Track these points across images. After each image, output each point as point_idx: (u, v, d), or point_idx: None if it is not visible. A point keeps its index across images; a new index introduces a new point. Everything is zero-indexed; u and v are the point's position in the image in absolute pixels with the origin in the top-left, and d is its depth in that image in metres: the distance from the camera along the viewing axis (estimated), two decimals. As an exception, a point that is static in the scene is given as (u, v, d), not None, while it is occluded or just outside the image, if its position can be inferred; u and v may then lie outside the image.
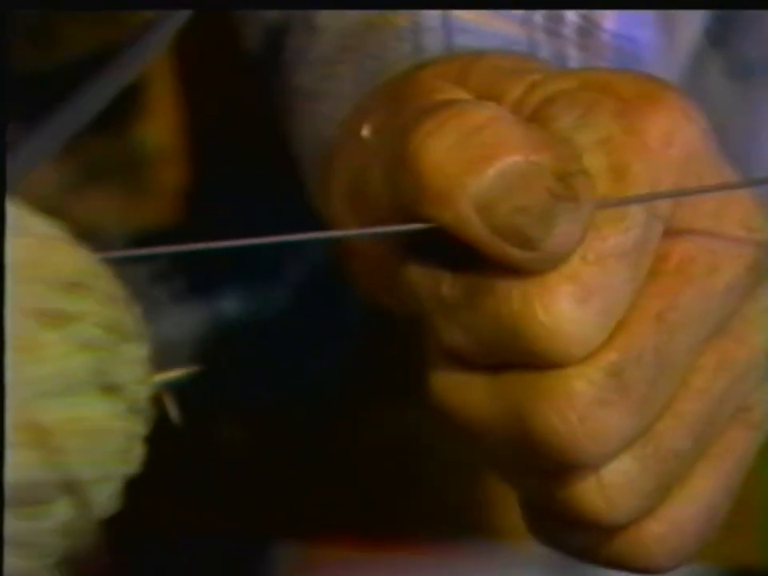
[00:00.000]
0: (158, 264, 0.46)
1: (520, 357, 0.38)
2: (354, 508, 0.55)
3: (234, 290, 0.48)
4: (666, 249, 0.39)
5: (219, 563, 0.75)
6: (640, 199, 0.38)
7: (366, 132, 0.40)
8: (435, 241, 0.38)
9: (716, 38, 0.55)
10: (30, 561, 0.34)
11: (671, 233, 0.39)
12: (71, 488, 0.34)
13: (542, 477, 0.39)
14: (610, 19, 0.48)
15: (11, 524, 0.33)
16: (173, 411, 0.41)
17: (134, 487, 0.36)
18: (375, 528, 0.61)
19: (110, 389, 0.35)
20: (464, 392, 0.39)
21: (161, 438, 0.36)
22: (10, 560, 0.35)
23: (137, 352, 0.36)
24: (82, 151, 0.55)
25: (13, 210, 0.38)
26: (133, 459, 0.35)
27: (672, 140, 0.39)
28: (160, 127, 0.55)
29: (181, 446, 0.40)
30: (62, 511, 0.34)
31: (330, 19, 0.49)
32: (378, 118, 0.41)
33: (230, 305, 0.48)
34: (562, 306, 0.37)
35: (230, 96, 0.55)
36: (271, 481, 0.53)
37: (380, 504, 0.55)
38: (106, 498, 0.35)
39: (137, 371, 0.36)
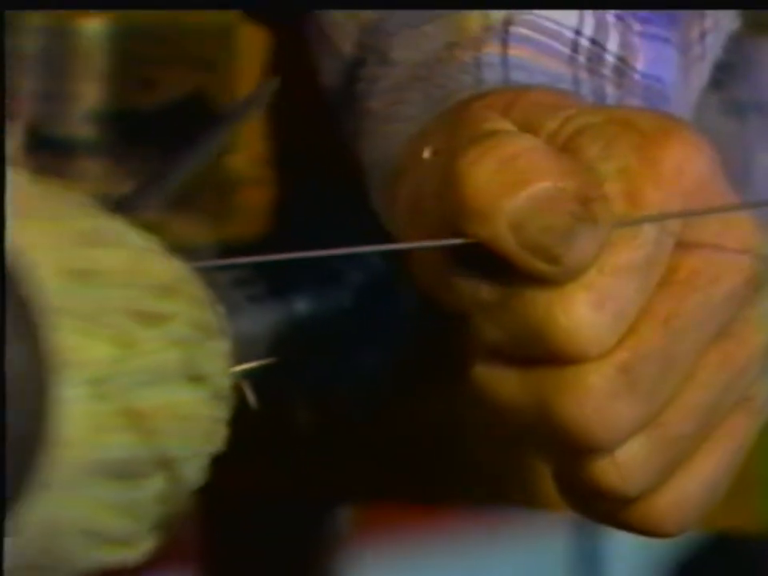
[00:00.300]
0: (240, 272, 0.45)
1: (545, 354, 0.37)
2: (406, 478, 0.54)
3: (306, 292, 0.47)
4: (676, 262, 0.38)
5: (291, 524, 0.74)
6: (650, 219, 0.37)
7: (426, 153, 0.39)
8: (476, 253, 0.37)
9: (715, 82, 0.54)
10: (131, 525, 0.33)
11: (680, 248, 0.38)
12: (165, 464, 0.33)
13: (566, 455, 0.39)
14: (641, 61, 0.47)
15: (115, 494, 0.32)
16: (250, 397, 0.40)
17: (218, 462, 0.35)
18: (424, 495, 0.61)
19: (197, 379, 0.34)
20: (500, 382, 0.38)
21: (240, 420, 0.35)
22: (116, 524, 0.34)
23: (220, 347, 0.35)
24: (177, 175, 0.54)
25: (116, 226, 0.36)
26: (217, 439, 0.35)
27: (683, 170, 0.38)
28: (246, 155, 0.54)
29: (257, 427, 0.39)
30: (157, 484, 0.33)
31: (402, 53, 0.48)
32: (436, 142, 0.40)
33: (301, 305, 0.47)
34: (580, 312, 0.36)
35: (309, 127, 0.53)
36: (335, 454, 0.53)
37: (428, 474, 0.54)
38: (194, 472, 0.34)
39: (220, 364, 0.35)
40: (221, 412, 0.35)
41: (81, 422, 0.31)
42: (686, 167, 0.38)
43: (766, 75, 0.62)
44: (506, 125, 0.39)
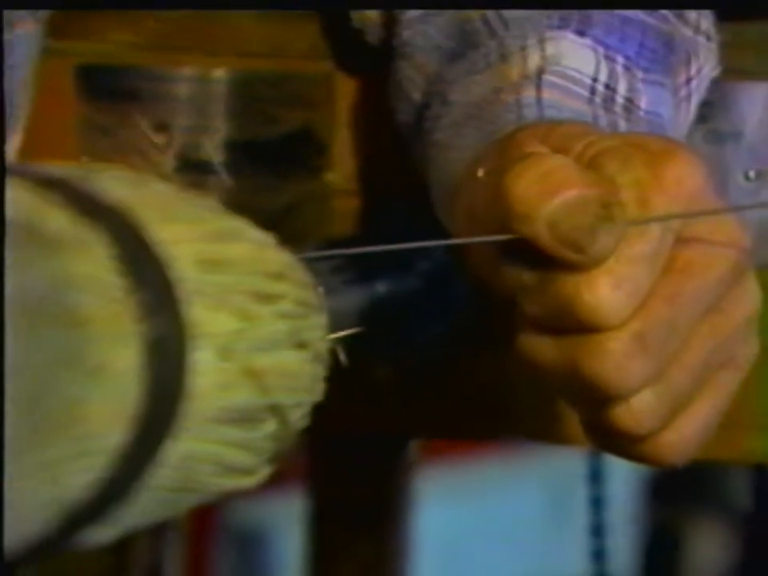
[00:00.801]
0: (336, 262, 0.43)
1: (574, 324, 0.35)
2: (462, 418, 0.52)
3: (386, 278, 0.45)
4: (675, 253, 0.36)
5: (374, 454, 0.72)
6: (656, 219, 0.35)
7: (480, 173, 0.38)
8: (520, 247, 0.35)
9: (701, 116, 0.51)
10: (250, 459, 0.31)
11: (680, 243, 0.36)
12: (276, 411, 0.31)
13: (591, 404, 0.37)
14: (644, 101, 0.45)
15: (237, 434, 0.30)
16: (342, 358, 0.38)
17: (319, 408, 0.33)
18: (476, 432, 0.59)
19: (301, 345, 0.32)
20: (538, 347, 0.37)
21: (335, 375, 0.33)
22: (238, 458, 0.32)
23: (319, 320, 0.33)
24: (289, 189, 0.52)
25: (240, 225, 0.34)
26: (317, 391, 0.32)
27: (683, 182, 0.36)
28: (342, 172, 0.52)
29: (348, 380, 0.37)
30: (270, 427, 0.31)
31: (459, 97, 0.45)
32: (488, 164, 0.38)
33: (382, 288, 0.45)
34: (602, 291, 0.34)
35: (389, 152, 0.51)
36: (406, 400, 0.50)
37: (480, 416, 0.51)
38: (299, 417, 0.32)
39: (319, 333, 0.33)
40: (320, 370, 0.33)
41: (210, 379, 0.29)
42: (685, 179, 0.36)
43: (739, 111, 0.58)
44: (543, 149, 0.37)
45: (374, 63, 0.51)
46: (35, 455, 0.27)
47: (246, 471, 0.32)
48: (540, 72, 0.43)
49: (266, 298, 0.31)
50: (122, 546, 0.73)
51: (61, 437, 0.27)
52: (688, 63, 0.47)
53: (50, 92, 0.52)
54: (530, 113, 0.42)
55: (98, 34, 0.52)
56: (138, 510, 0.31)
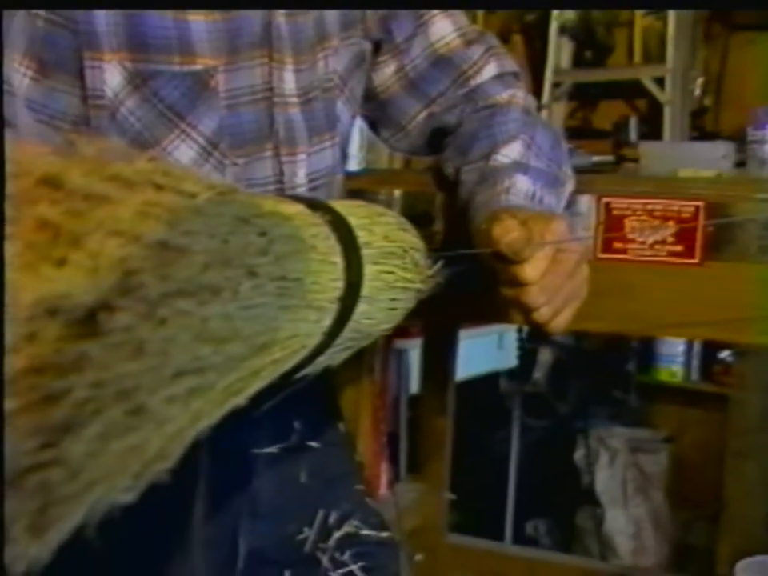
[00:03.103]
0: (433, 256, 0.65)
1: (519, 283, 0.61)
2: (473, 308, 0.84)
3: (452, 265, 0.67)
4: (555, 255, 0.62)
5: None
6: (548, 243, 0.61)
7: (485, 226, 0.65)
8: (499, 254, 0.61)
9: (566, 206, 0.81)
10: (408, 275, 0.57)
11: (556, 251, 0.61)
12: (408, 281, 0.58)
13: (525, 310, 0.63)
14: (546, 200, 0.75)
15: (394, 294, 0.57)
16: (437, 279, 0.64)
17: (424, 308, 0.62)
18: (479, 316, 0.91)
19: (416, 264, 0.60)
20: (505, 290, 0.63)
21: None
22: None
23: (424, 260, 0.61)
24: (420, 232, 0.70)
25: (391, 217, 0.62)
26: (418, 291, 0.61)
27: (558, 228, 0.63)
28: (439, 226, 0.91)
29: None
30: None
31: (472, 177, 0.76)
32: (488, 221, 0.65)
33: (450, 271, 0.66)
34: (528, 271, 0.61)
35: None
36: (455, 305, 0.82)
37: (482, 307, 0.81)
38: (408, 304, 0.61)
39: (423, 263, 0.61)
40: (421, 283, 0.61)
41: (370, 273, 0.54)
42: (559, 227, 0.63)
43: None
44: (508, 216, 0.62)
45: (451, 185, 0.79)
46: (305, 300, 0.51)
47: (409, 285, 0.55)
48: (509, 188, 0.71)
49: (402, 249, 0.59)
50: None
51: (310, 297, 0.50)
52: (564, 186, 0.77)
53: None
54: (506, 199, 0.70)
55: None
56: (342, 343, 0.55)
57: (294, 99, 0.71)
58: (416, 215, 0.68)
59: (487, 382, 2.15)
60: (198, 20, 0.65)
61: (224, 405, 0.40)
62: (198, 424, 0.38)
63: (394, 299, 0.59)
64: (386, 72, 0.82)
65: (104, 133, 0.65)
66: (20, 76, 0.63)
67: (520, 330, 2.08)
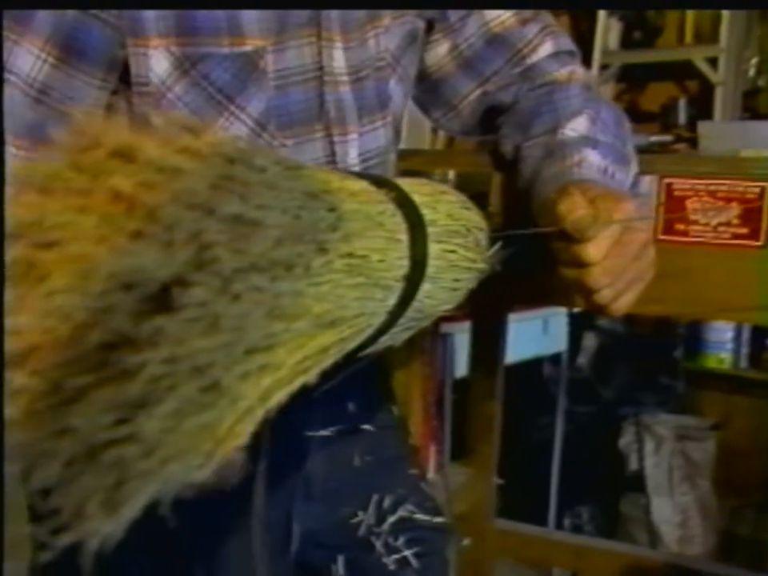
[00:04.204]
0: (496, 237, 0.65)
1: (581, 263, 0.59)
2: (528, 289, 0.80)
3: (514, 245, 0.66)
4: (620, 236, 0.60)
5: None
6: (615, 222, 0.59)
7: (553, 197, 0.64)
8: (563, 232, 0.60)
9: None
10: (470, 255, 0.57)
11: (624, 231, 0.60)
12: (472, 262, 0.58)
13: (585, 293, 0.61)
14: (616, 176, 0.72)
15: (458, 274, 0.56)
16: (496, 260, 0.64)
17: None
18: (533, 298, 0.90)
19: (478, 245, 0.60)
20: (566, 271, 0.61)
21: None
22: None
23: (486, 240, 0.61)
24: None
25: (454, 195, 0.61)
26: (480, 271, 0.60)
27: (626, 207, 0.61)
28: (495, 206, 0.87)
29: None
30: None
31: (536, 152, 0.75)
32: (556, 195, 0.63)
33: (512, 249, 0.66)
34: (591, 250, 0.59)
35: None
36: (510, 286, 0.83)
37: (536, 289, 0.80)
38: (470, 284, 0.60)
39: (485, 243, 0.60)
40: (482, 264, 0.60)
41: (434, 252, 0.54)
42: (627, 206, 0.62)
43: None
44: (575, 191, 0.61)
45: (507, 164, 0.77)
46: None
47: (471, 265, 0.55)
48: (580, 162, 0.70)
49: (467, 227, 0.59)
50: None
51: (377, 275, 0.48)
52: (629, 163, 0.74)
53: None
54: (578, 172, 0.68)
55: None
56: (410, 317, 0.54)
57: (345, 78, 0.70)
58: (471, 196, 0.65)
59: (531, 366, 2.13)
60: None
61: (292, 383, 0.39)
62: (267, 402, 0.38)
63: (456, 279, 0.58)
64: (439, 51, 0.81)
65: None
66: (37, 61, 0.63)
67: (571, 315, 2.05)
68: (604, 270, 0.60)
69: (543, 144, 0.74)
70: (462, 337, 1.55)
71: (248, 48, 0.65)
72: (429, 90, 0.84)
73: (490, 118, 0.83)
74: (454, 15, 0.80)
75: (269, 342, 0.37)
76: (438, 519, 0.78)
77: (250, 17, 0.64)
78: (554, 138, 0.73)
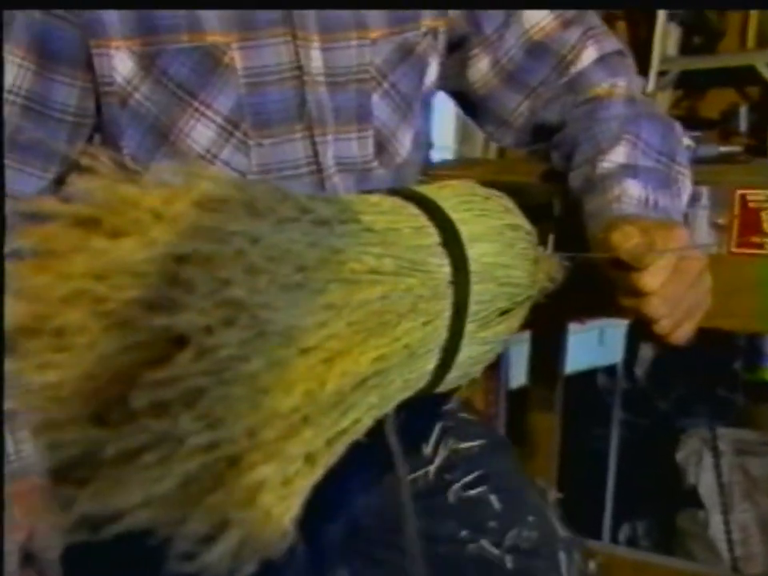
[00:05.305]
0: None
1: (639, 292, 0.59)
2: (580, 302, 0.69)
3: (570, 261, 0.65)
4: (677, 264, 0.60)
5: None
6: (669, 251, 0.59)
7: (601, 235, 0.63)
8: (617, 260, 0.59)
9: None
10: (519, 273, 0.56)
11: (679, 259, 0.59)
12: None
13: (644, 320, 0.61)
14: (661, 202, 0.70)
15: (505, 290, 0.56)
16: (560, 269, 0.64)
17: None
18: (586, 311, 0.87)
19: (535, 261, 0.60)
20: (623, 300, 0.61)
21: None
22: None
23: (533, 252, 0.60)
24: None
25: (499, 201, 0.60)
26: (538, 286, 0.61)
27: (679, 236, 0.61)
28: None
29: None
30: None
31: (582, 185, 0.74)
32: (607, 229, 0.63)
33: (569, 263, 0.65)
34: (649, 279, 0.59)
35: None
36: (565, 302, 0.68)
37: (587, 299, 0.67)
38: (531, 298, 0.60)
39: (533, 253, 0.59)
40: (546, 276, 0.60)
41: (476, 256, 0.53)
42: (679, 235, 0.61)
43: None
44: (627, 225, 0.60)
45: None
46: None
47: (522, 283, 0.54)
48: (620, 195, 0.68)
49: (511, 238, 0.57)
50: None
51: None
52: (677, 183, 0.73)
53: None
54: (618, 208, 0.67)
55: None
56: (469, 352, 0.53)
57: (321, 78, 0.69)
58: (535, 207, 0.65)
59: (585, 377, 2.10)
60: None
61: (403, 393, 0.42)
62: (385, 404, 0.41)
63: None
64: (481, 67, 0.80)
65: (115, 121, 0.66)
66: (20, 70, 0.64)
67: (628, 325, 2.03)
68: (662, 299, 0.59)
69: (584, 176, 0.73)
70: (519, 347, 1.55)
71: (206, 43, 0.65)
72: (477, 106, 0.84)
73: (542, 131, 0.82)
74: (488, 27, 0.78)
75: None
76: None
77: (209, 13, 0.64)
78: (593, 170, 0.72)
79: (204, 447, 0.30)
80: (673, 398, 2.31)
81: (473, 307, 0.51)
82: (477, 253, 0.52)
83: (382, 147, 0.74)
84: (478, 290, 0.51)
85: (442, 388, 0.53)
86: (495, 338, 0.55)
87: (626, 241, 0.59)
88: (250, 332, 0.32)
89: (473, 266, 0.51)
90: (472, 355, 0.52)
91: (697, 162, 0.80)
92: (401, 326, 0.42)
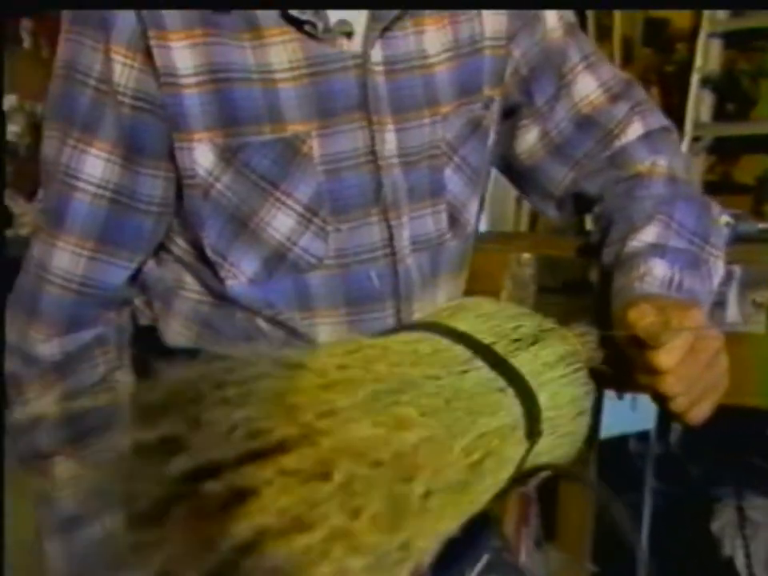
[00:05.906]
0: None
1: (655, 369, 0.59)
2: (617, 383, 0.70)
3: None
4: (694, 343, 0.60)
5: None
6: (685, 329, 0.58)
7: (619, 314, 0.63)
8: (635, 338, 0.60)
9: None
10: (579, 388, 0.62)
11: (695, 338, 0.59)
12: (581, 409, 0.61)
13: (661, 396, 0.61)
14: (685, 284, 0.68)
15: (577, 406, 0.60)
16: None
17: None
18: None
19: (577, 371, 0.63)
20: (640, 377, 0.61)
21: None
22: (574, 390, 0.59)
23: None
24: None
25: (513, 308, 0.64)
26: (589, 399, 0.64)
27: (695, 316, 0.61)
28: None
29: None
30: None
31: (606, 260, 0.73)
32: (625, 307, 0.63)
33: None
34: (664, 358, 0.60)
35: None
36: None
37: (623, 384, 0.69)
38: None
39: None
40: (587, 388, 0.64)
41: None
42: (697, 316, 0.61)
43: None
44: (642, 303, 0.61)
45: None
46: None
47: (585, 393, 0.59)
48: (644, 274, 0.67)
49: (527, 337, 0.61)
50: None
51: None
52: (708, 263, 0.72)
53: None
54: (640, 287, 0.67)
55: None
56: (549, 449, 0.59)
57: (395, 160, 0.71)
58: (572, 281, 0.69)
59: (616, 442, 2.08)
60: (287, 87, 0.66)
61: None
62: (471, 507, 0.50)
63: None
64: (529, 138, 0.80)
65: (197, 211, 0.67)
66: (107, 164, 0.66)
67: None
68: (677, 377, 0.59)
69: (614, 254, 0.74)
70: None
71: (287, 134, 0.66)
72: (522, 176, 0.84)
73: (580, 202, 0.82)
74: (540, 99, 0.79)
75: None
76: None
77: (290, 103, 0.66)
78: (623, 249, 0.72)
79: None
80: (707, 466, 2.27)
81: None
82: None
83: (454, 219, 0.76)
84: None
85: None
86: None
87: (642, 318, 0.59)
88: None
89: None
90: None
91: (736, 239, 0.79)
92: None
